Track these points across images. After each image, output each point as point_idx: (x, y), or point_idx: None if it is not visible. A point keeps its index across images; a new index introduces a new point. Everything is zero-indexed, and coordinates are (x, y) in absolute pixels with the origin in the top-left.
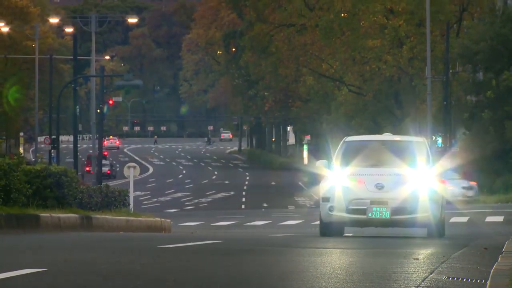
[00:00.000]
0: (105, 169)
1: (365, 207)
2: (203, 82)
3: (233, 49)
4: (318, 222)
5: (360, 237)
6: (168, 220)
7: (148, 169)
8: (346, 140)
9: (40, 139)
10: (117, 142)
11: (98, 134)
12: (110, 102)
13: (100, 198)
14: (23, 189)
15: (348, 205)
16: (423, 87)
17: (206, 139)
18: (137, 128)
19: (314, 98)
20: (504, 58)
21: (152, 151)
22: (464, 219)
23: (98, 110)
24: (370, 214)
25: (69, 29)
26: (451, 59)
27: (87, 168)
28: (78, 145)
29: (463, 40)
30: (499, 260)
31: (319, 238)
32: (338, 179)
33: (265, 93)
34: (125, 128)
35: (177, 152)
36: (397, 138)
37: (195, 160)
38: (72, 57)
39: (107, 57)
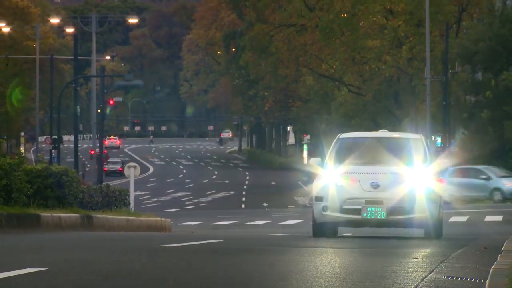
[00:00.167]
0: (117, 167)
1: (360, 207)
2: (203, 82)
3: (233, 49)
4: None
5: (359, 237)
6: (169, 220)
7: (148, 169)
8: (340, 137)
9: (41, 139)
10: (118, 142)
11: (98, 134)
12: (111, 102)
13: (100, 198)
14: (24, 189)
15: (342, 204)
16: (422, 87)
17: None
18: (137, 128)
19: (314, 98)
20: (503, 58)
21: (152, 151)
22: (463, 218)
23: (99, 110)
24: (365, 214)
25: (69, 29)
26: (450, 59)
27: (105, 169)
28: (79, 145)
29: (462, 41)
30: (498, 259)
31: (319, 238)
32: (331, 177)
33: (265, 93)
34: (126, 128)
35: (177, 152)
36: (393, 135)
37: (195, 160)
38: (72, 57)
39: (108, 57)
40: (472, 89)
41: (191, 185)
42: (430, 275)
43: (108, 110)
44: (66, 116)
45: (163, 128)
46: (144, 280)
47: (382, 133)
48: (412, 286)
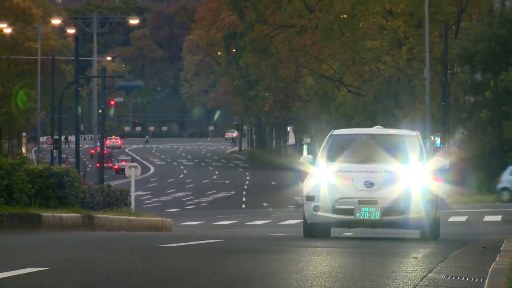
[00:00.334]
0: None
1: (353, 207)
2: (204, 83)
3: (234, 50)
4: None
5: (359, 237)
6: (169, 220)
7: (149, 169)
8: (333, 133)
9: (42, 139)
10: (119, 142)
11: (100, 134)
12: (112, 102)
13: (101, 198)
14: (26, 189)
15: (334, 204)
16: (422, 87)
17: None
18: (138, 128)
19: (314, 99)
20: (502, 59)
21: (153, 151)
22: (463, 218)
23: (100, 111)
24: (358, 215)
25: (71, 30)
26: (449, 60)
27: (109, 165)
28: (80, 145)
29: (461, 41)
30: (497, 259)
31: (319, 238)
32: (323, 176)
33: (265, 94)
34: (127, 128)
35: (178, 152)
36: (388, 131)
37: (195, 160)
38: (74, 58)
39: (109, 58)
40: (471, 89)
41: (192, 185)
42: (430, 274)
43: (112, 112)
44: (68, 116)
45: (164, 128)
46: (145, 280)
47: (377, 130)
48: (412, 286)
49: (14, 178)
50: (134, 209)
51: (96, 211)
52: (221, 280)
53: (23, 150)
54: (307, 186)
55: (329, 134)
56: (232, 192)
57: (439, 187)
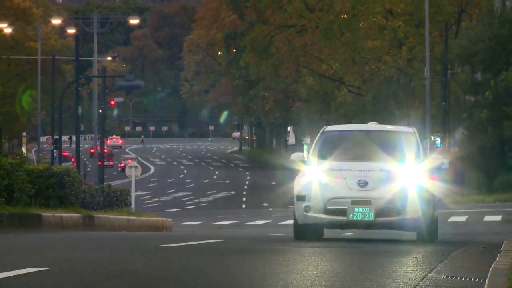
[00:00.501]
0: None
1: (346, 207)
2: (204, 83)
3: (234, 50)
4: None
5: (359, 237)
6: (169, 220)
7: (149, 169)
8: (326, 130)
9: (43, 139)
10: (120, 141)
11: (100, 134)
12: (112, 102)
13: (102, 198)
14: (26, 189)
15: (326, 204)
16: (422, 87)
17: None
18: (138, 128)
19: (314, 99)
20: (502, 59)
21: (153, 151)
22: (463, 218)
23: (100, 111)
24: (351, 216)
25: (71, 30)
26: (449, 60)
27: (111, 163)
28: (80, 145)
29: (461, 41)
30: (497, 259)
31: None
32: (315, 174)
33: (266, 94)
34: (127, 128)
35: (178, 152)
36: (383, 127)
37: (196, 160)
38: (74, 58)
39: (109, 58)
40: (471, 89)
41: (192, 185)
42: (430, 274)
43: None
44: (68, 116)
45: (164, 128)
46: (145, 280)
47: (371, 126)
48: (412, 286)
49: (15, 178)
50: (134, 209)
51: (97, 211)
52: (221, 280)
53: (24, 150)
54: (298, 185)
55: (321, 131)
56: (232, 192)
57: (435, 186)
